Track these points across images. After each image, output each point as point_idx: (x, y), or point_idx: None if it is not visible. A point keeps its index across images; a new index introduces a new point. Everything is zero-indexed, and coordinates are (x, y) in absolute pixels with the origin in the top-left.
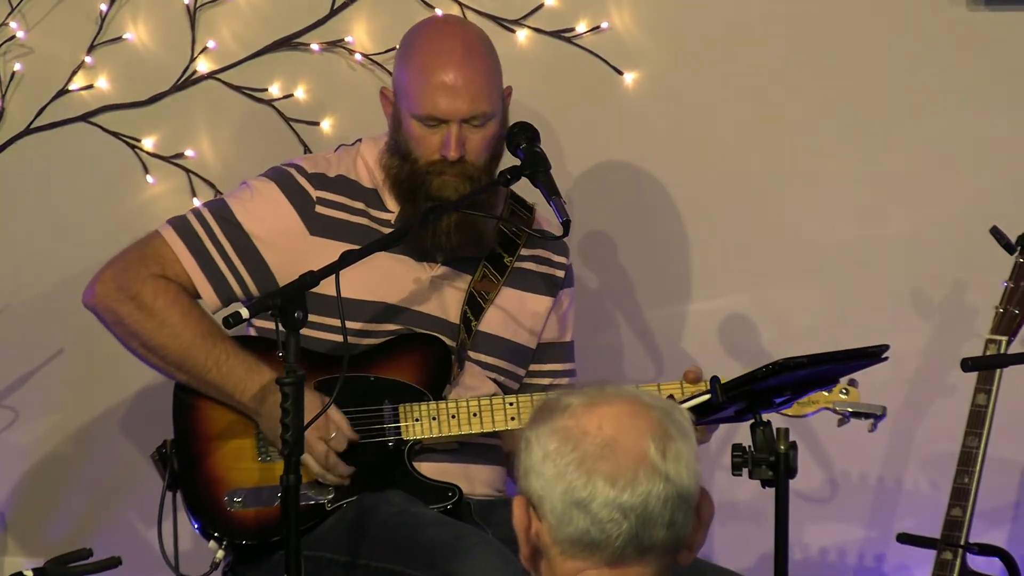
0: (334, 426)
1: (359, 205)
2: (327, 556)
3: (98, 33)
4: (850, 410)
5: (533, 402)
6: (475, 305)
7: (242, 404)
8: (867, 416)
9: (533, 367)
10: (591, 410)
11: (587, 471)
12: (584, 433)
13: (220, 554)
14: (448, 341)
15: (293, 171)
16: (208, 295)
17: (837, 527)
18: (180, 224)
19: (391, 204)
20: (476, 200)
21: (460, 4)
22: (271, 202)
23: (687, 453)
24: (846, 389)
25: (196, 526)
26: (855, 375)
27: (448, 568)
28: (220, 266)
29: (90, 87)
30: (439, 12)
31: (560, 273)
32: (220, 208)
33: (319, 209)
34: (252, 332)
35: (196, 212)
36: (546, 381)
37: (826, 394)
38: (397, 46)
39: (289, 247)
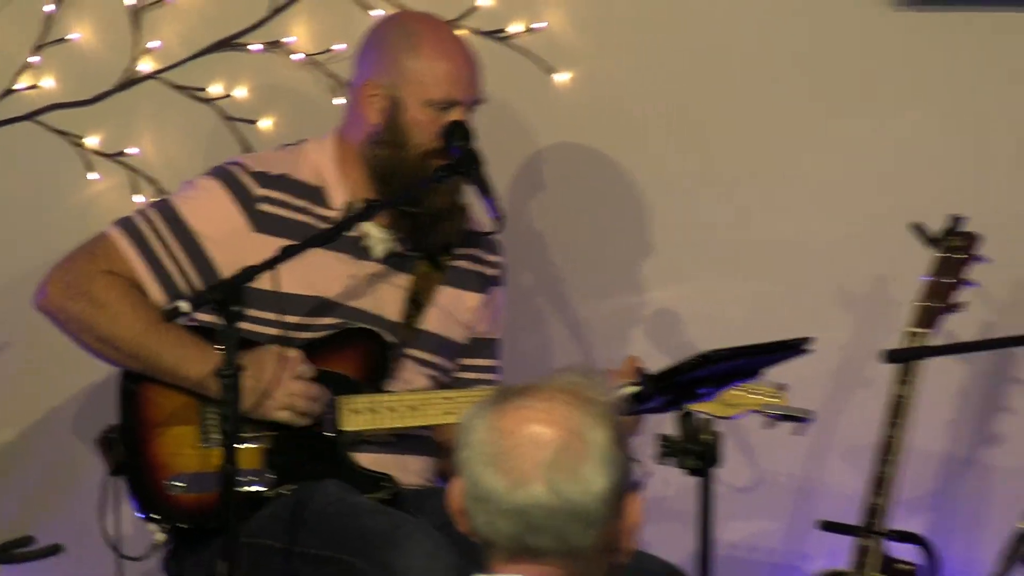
0: (293, 360)
1: (301, 203)
2: (266, 543)
3: (44, 33)
4: (779, 413)
5: (470, 398)
6: (416, 303)
7: (199, 384)
8: (794, 419)
9: (462, 361)
10: (521, 408)
11: (493, 469)
12: (502, 431)
13: (160, 537)
14: (387, 336)
15: (236, 169)
16: (155, 292)
17: (761, 516)
18: (127, 225)
19: (336, 202)
20: (417, 197)
21: (397, 5)
22: (215, 200)
23: (590, 472)
24: (775, 393)
25: (137, 509)
26: (782, 372)
27: (385, 556)
28: (167, 264)
29: (35, 87)
30: (380, 12)
31: (493, 271)
32: (165, 208)
33: (262, 206)
34: (194, 322)
35: (142, 212)
36: (472, 376)
37: (756, 397)
38: (375, 41)
39: (233, 244)
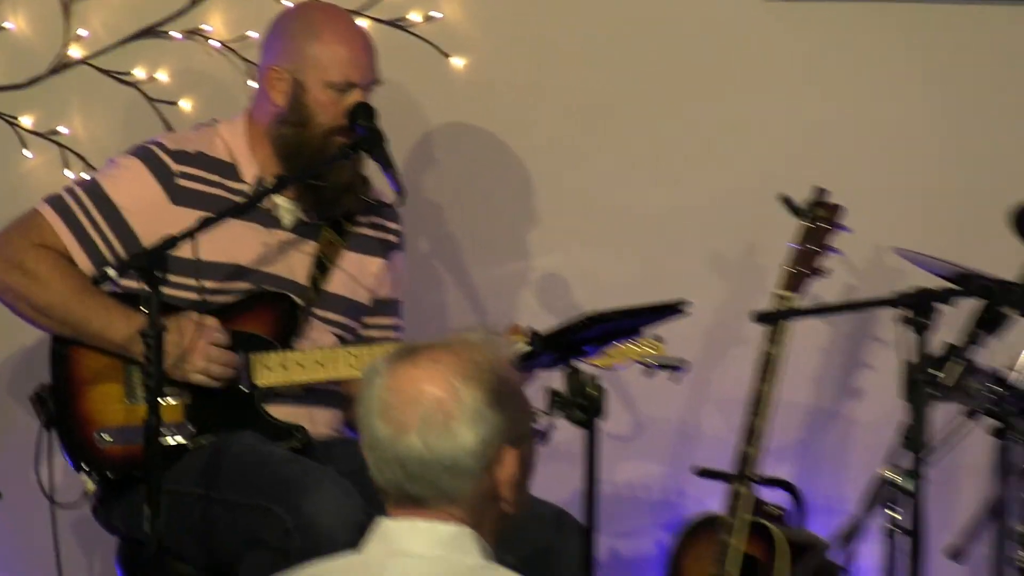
0: (210, 328)
1: (215, 178)
2: (186, 490)
3: None
4: (656, 363)
5: (372, 353)
6: (322, 267)
7: (123, 347)
8: (670, 368)
9: (366, 320)
10: (412, 366)
11: (382, 420)
12: (392, 388)
13: (90, 486)
14: (296, 299)
15: (155, 148)
16: (83, 262)
17: (642, 464)
18: (56, 201)
19: (247, 177)
20: (322, 172)
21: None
22: (136, 176)
23: (459, 429)
24: (653, 344)
25: (69, 460)
26: (661, 332)
27: (296, 501)
28: (93, 236)
29: None
30: (290, 3)
31: (394, 238)
32: (91, 185)
33: (179, 181)
34: (117, 289)
35: (69, 189)
36: (375, 333)
37: (636, 348)
38: (278, 30)
39: (154, 216)
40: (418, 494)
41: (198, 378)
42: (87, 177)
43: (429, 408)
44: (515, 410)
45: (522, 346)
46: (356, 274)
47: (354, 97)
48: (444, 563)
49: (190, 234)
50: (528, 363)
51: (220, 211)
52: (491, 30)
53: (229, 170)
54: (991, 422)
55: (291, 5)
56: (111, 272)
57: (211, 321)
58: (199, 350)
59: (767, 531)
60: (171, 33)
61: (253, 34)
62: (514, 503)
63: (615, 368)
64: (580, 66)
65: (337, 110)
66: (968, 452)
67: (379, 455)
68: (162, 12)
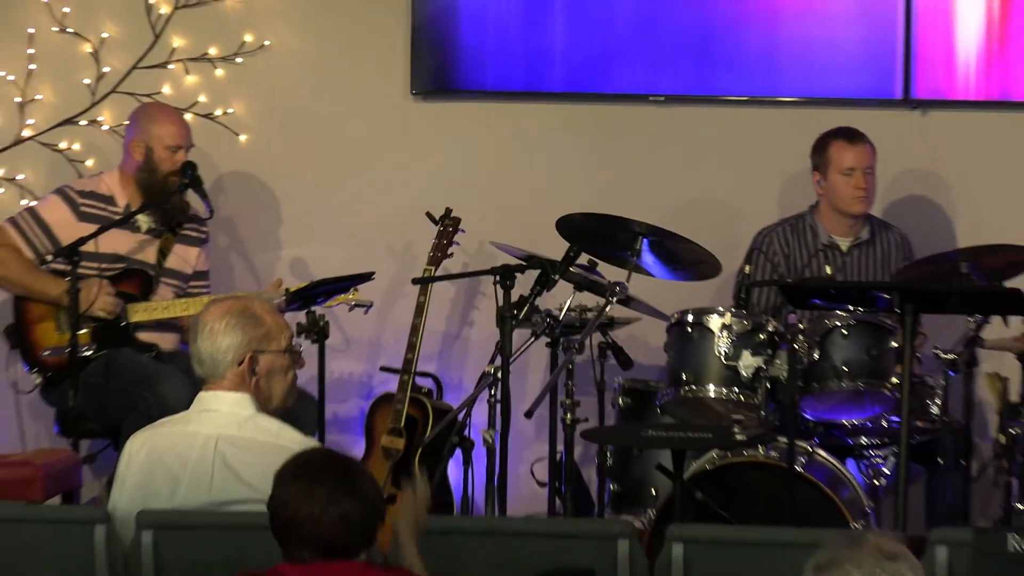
0: (106, 285)
1: (102, 205)
2: (93, 381)
3: None
4: (354, 302)
5: (194, 302)
6: (164, 254)
7: (56, 300)
8: (363, 306)
9: (191, 284)
10: (216, 304)
11: (199, 332)
12: (206, 315)
13: (38, 380)
14: (150, 272)
15: (67, 189)
16: (29, 254)
17: (351, 362)
18: (12, 220)
19: (120, 204)
20: (165, 200)
21: (150, 99)
22: (56, 205)
23: (219, 339)
24: (353, 292)
25: (25, 366)
26: (366, 295)
27: (154, 387)
28: (33, 239)
29: None
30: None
31: (204, 235)
32: (31, 211)
33: (82, 208)
34: (49, 269)
35: (19, 214)
36: (195, 291)
37: (343, 296)
38: (135, 118)
39: (68, 229)
40: (205, 374)
41: (100, 312)
42: (29, 207)
43: (210, 326)
44: (254, 334)
45: (278, 296)
46: (183, 257)
47: (180, 155)
48: (231, 415)
49: (91, 237)
50: (284, 306)
51: (106, 224)
52: (262, 120)
53: (110, 200)
54: (546, 339)
55: (141, 103)
56: (49, 258)
57: (107, 285)
58: (100, 298)
59: (421, 402)
60: (81, 122)
61: (127, 122)
62: (270, 388)
63: (332, 307)
64: (311, 138)
65: (172, 162)
66: (533, 356)
67: (194, 352)
68: (75, 110)
